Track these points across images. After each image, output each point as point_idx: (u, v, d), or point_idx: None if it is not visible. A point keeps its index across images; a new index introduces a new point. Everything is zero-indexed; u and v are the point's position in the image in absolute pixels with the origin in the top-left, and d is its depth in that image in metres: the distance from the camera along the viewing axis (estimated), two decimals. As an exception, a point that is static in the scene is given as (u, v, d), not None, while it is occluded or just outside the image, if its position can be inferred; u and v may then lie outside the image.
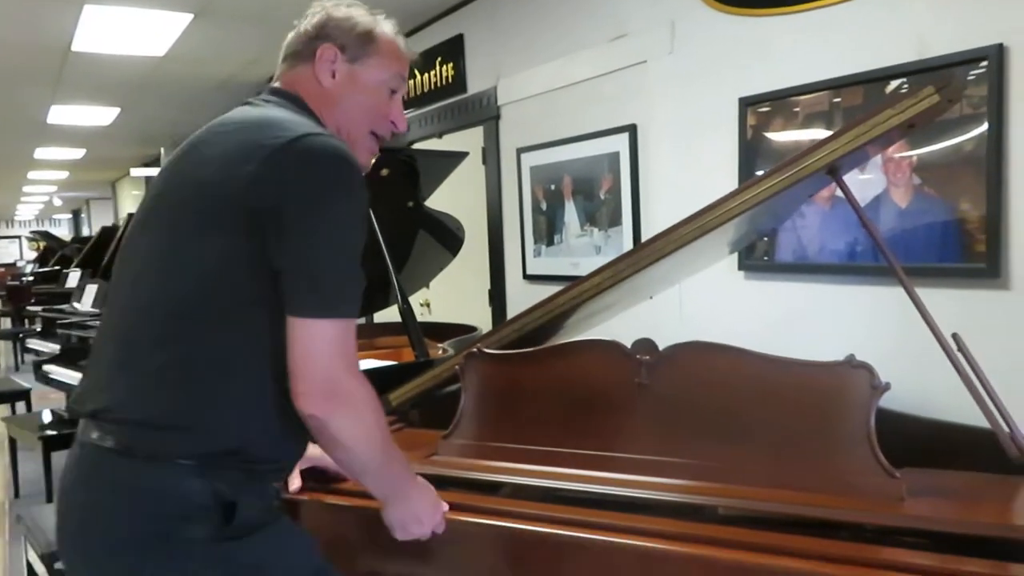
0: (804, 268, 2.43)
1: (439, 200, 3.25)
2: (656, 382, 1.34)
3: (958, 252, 2.03)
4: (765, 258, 2.55)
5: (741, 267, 2.64)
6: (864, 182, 2.21)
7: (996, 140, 1.93)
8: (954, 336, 1.31)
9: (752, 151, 2.55)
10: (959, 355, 1.30)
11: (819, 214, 2.36)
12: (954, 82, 1.18)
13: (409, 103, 4.54)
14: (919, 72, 2.07)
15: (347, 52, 1.25)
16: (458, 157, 2.88)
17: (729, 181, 2.55)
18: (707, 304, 2.78)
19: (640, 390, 1.35)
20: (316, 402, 1.08)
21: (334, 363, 1.08)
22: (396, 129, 1.33)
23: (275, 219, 1.07)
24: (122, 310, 1.17)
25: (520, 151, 3.64)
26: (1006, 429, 1.28)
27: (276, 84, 1.30)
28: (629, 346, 1.41)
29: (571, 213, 3.35)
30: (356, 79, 1.26)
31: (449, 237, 3.23)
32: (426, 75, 4.34)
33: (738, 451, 1.24)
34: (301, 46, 1.27)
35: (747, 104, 2.56)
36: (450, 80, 4.14)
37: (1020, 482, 1.23)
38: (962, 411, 1.40)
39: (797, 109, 2.42)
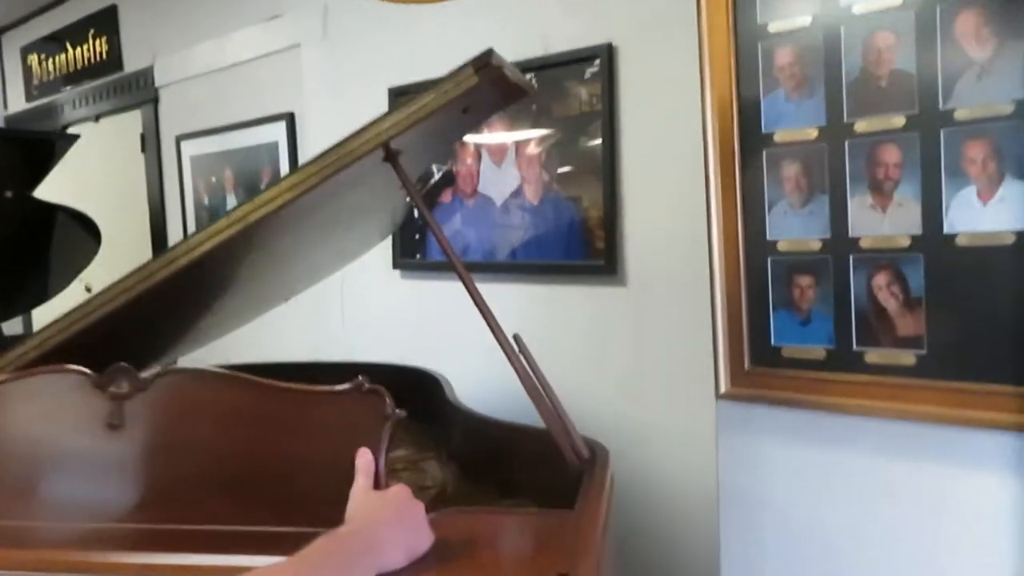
0: (449, 266, 2.35)
1: (92, 190, 2.84)
2: (134, 425, 1.07)
3: (582, 249, 2.04)
4: (418, 256, 2.45)
5: (396, 266, 2.53)
6: (502, 177, 2.17)
7: (609, 138, 1.95)
8: (515, 337, 1.24)
9: (403, 144, 2.43)
10: (520, 357, 1.23)
11: (463, 212, 2.29)
12: (493, 62, 1.09)
13: (64, 80, 3.96)
14: (543, 68, 2.05)
15: None
16: (66, 140, 2.48)
17: (378, 175, 2.41)
18: (367, 305, 2.65)
19: (113, 437, 1.07)
20: None
21: None
22: None
23: None
24: None
25: (180, 138, 3.27)
26: (566, 434, 1.22)
27: None
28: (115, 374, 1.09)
29: (233, 208, 3.05)
30: None
31: (85, 224, 2.80)
32: (79, 49, 3.79)
33: (241, 507, 1.03)
34: None
35: (396, 94, 2.43)
36: (104, 56, 3.64)
37: (565, 518, 1.04)
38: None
39: (442, 101, 2.33)
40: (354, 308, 2.68)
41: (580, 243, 2.04)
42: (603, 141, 1.96)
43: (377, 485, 0.96)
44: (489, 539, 0.99)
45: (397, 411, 1.02)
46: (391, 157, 1.21)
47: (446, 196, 2.32)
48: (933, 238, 1.19)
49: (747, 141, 1.37)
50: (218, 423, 1.06)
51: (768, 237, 1.37)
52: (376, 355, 2.29)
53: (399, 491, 0.93)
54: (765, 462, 1.45)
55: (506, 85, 1.18)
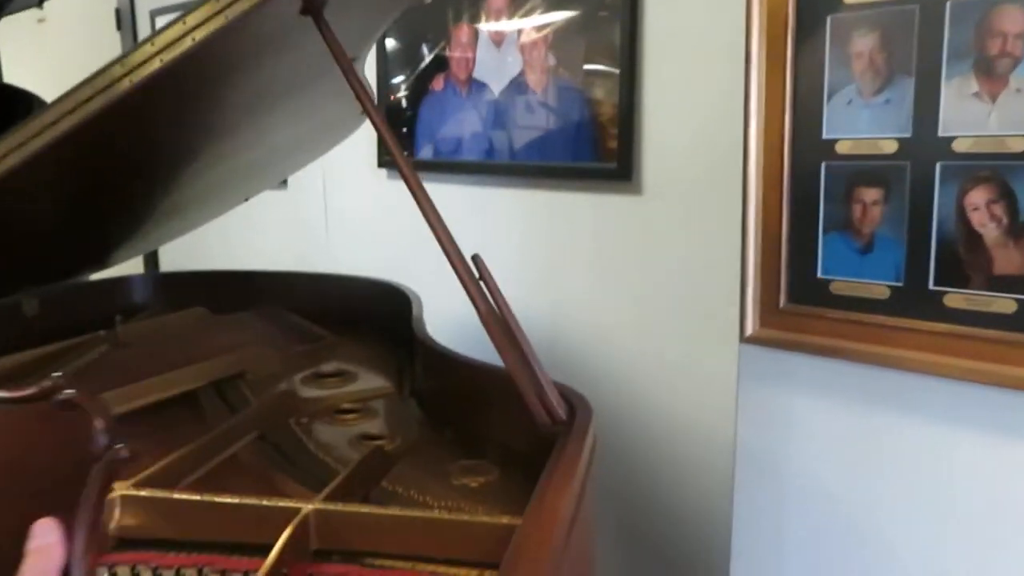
0: (441, 167, 2.03)
1: (67, 73, 2.50)
2: None
3: (592, 150, 1.70)
4: (405, 154, 2.12)
5: (382, 164, 2.21)
6: (502, 61, 1.82)
7: (630, 13, 1.58)
8: (474, 258, 0.93)
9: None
10: (480, 284, 0.92)
11: (455, 102, 1.95)
12: None
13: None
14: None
15: None
16: None
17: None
18: (351, 208, 2.36)
19: None
20: None
21: None
22: None
23: None
24: None
25: (154, 14, 2.92)
26: (537, 387, 0.93)
27: None
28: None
29: (210, 94, 2.73)
30: None
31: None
32: (50, -89, 3.39)
33: None
34: None
35: (383, -41, 2.05)
36: (77, -82, 3.26)
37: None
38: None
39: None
40: (338, 212, 2.39)
41: (590, 142, 1.70)
42: (622, 17, 1.59)
43: None
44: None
45: (120, 447, 0.54)
46: (311, 8, 0.88)
47: (438, 83, 1.98)
48: (1064, 140, 0.85)
49: (806, 3, 1.01)
50: None
51: (824, 135, 1.03)
52: (361, 265, 2.01)
53: None
54: (796, 423, 1.15)
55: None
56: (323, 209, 2.42)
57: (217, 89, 1.06)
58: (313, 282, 1.83)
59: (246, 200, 1.83)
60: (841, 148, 1.02)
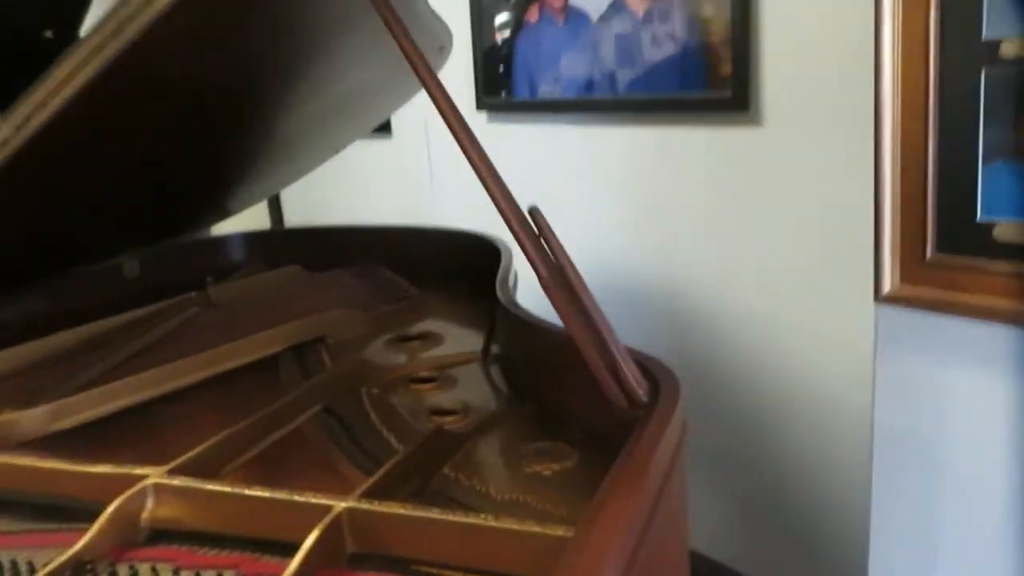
0: (540, 106, 1.88)
1: None
2: None
3: (703, 77, 1.49)
4: (503, 94, 1.97)
5: (480, 107, 2.07)
6: (599, -16, 1.63)
7: (744, -91, 1.35)
8: (531, 211, 0.79)
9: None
10: (540, 241, 0.78)
11: (551, 34, 1.77)
12: None
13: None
14: None
15: None
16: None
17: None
18: (452, 157, 2.23)
19: None
20: None
21: None
22: None
23: None
24: None
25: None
26: (611, 363, 0.78)
27: None
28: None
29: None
30: None
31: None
32: None
33: None
34: None
35: None
36: None
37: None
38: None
39: None
40: (440, 161, 2.29)
41: (700, 68, 1.49)
42: (734, -85, 1.36)
43: None
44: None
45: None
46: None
47: (532, 15, 1.81)
48: None
49: None
50: None
51: (984, 35, 0.80)
52: (467, 216, 1.90)
53: None
54: (948, 399, 0.94)
55: None
56: (427, 157, 2.33)
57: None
58: (408, 236, 1.74)
59: (336, 152, 1.76)
60: (1007, 50, 0.78)
